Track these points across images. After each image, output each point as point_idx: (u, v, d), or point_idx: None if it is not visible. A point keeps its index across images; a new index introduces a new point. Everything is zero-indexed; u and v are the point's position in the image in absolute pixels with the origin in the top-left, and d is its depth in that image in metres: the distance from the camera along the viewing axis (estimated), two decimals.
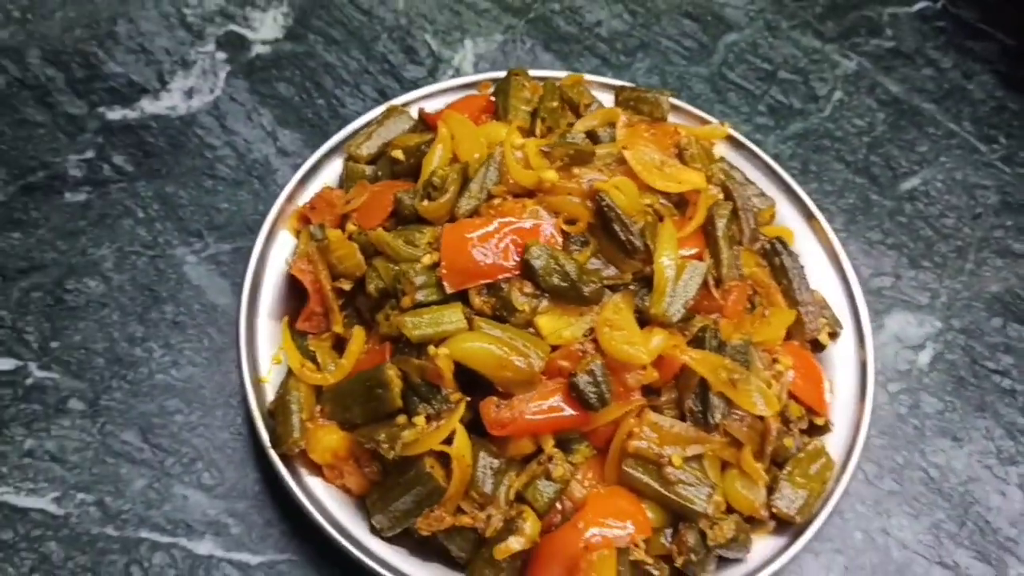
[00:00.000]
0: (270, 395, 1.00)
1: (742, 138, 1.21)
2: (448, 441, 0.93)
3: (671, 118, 1.20)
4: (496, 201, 1.02)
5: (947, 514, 1.08)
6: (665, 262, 1.01)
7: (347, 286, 1.02)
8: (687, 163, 1.11)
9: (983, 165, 1.33)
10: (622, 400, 0.97)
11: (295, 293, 1.05)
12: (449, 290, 0.97)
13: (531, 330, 0.97)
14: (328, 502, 0.96)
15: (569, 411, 0.95)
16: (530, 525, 0.93)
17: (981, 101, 1.38)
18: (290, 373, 1.00)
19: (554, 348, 0.96)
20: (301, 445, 0.96)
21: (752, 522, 1.00)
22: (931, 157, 1.32)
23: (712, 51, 1.37)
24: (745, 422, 1.00)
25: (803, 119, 1.33)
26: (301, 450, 0.96)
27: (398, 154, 1.10)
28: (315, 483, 0.97)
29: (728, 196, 1.11)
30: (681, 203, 1.08)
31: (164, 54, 1.24)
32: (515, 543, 0.92)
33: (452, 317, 0.95)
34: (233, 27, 1.27)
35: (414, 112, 1.18)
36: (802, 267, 1.12)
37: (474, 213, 1.02)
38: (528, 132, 1.09)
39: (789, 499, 1.00)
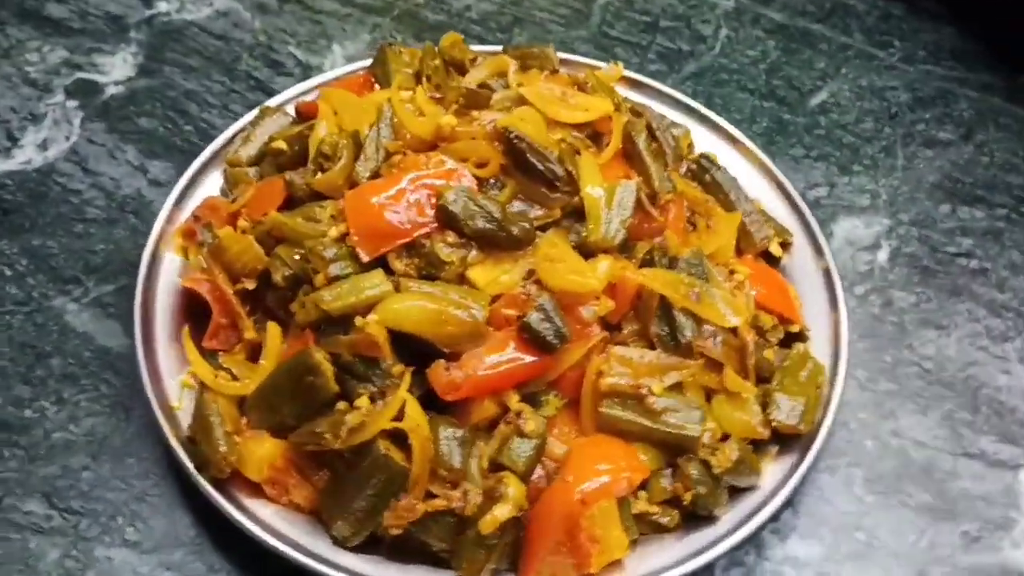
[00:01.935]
0: (186, 423, 0.87)
1: (640, 76, 1.15)
2: (399, 417, 0.81)
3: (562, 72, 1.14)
4: (396, 158, 0.92)
5: (956, 403, 0.99)
6: (591, 189, 0.92)
7: (251, 285, 0.90)
8: (591, 93, 1.04)
9: (885, 69, 1.29)
10: (581, 338, 0.86)
11: (194, 313, 0.93)
12: (365, 258, 0.86)
13: (465, 286, 0.87)
14: (279, 523, 0.82)
15: (527, 358, 0.84)
16: (513, 489, 0.80)
17: (866, 13, 1.35)
18: (203, 390, 0.87)
19: (494, 300, 0.86)
20: (232, 463, 0.82)
21: (755, 447, 0.89)
22: (832, 71, 1.28)
23: (588, 14, 1.31)
24: (719, 340, 0.90)
25: (695, 60, 1.28)
26: (234, 471, 0.83)
27: (280, 145, 0.99)
28: (258, 506, 0.83)
29: (639, 117, 1.04)
30: (594, 136, 1.00)
31: (10, 113, 1.12)
32: (501, 511, 0.79)
33: (373, 281, 0.84)
34: (81, 75, 1.17)
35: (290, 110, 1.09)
36: (735, 179, 1.04)
37: (375, 176, 0.92)
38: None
39: (787, 409, 0.90)
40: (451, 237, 0.88)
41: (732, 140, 1.11)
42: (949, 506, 0.92)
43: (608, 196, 0.92)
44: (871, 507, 0.92)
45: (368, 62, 1.11)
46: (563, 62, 1.13)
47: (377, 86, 1.05)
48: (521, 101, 0.98)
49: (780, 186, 1.07)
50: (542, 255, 0.88)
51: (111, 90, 1.16)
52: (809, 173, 1.17)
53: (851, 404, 0.98)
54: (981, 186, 1.17)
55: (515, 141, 0.91)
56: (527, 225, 0.89)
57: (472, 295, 0.85)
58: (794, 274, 1.02)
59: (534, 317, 0.83)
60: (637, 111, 1.04)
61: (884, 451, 0.95)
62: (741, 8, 1.34)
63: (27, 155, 1.09)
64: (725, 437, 0.88)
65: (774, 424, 0.89)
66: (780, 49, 1.30)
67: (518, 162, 0.92)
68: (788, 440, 0.90)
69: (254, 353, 0.90)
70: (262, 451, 0.83)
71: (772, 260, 1.03)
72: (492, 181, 0.92)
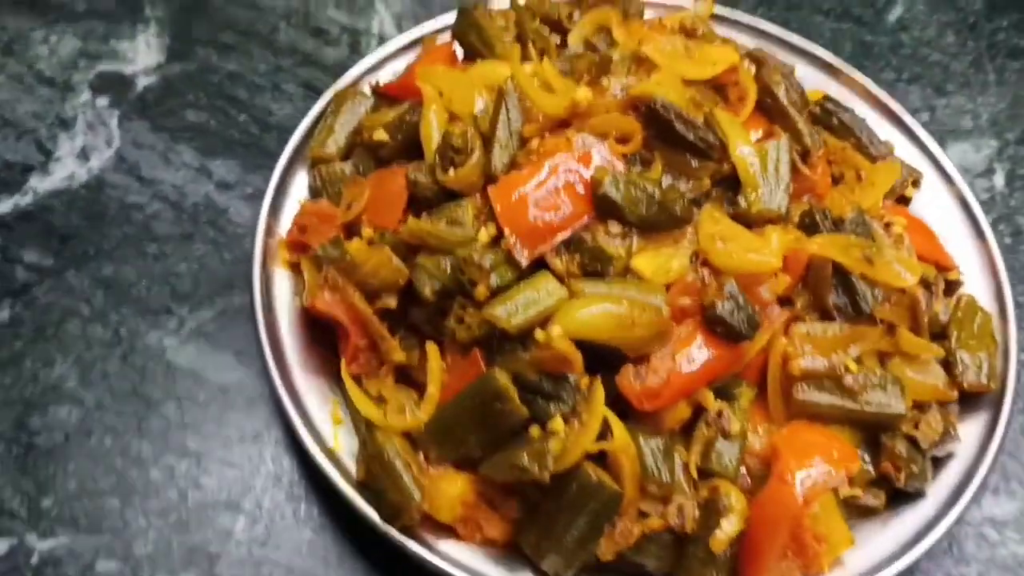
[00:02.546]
0: (349, 464, 0.78)
1: (727, 11, 1.06)
2: (602, 436, 0.73)
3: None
4: (533, 143, 0.82)
5: None
6: (743, 152, 0.84)
7: (392, 302, 0.81)
8: (707, 40, 0.95)
9: None
10: (764, 321, 0.80)
11: (321, 336, 0.83)
12: (524, 262, 0.77)
13: (630, 276, 0.79)
14: (483, 566, 0.75)
15: (717, 352, 0.77)
16: (735, 499, 0.75)
17: None
18: (368, 428, 0.78)
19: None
20: (424, 509, 0.74)
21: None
22: None
23: None
24: (890, 300, 0.85)
25: None
26: (423, 515, 0.75)
27: (380, 135, 0.89)
28: (454, 549, 0.75)
29: (763, 64, 0.95)
30: (718, 89, 0.92)
31: (34, 119, 0.98)
32: (730, 527, 0.74)
33: (548, 289, 0.76)
34: (103, 66, 1.02)
35: (365, 91, 0.97)
36: (863, 119, 0.97)
37: (511, 167, 0.82)
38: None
39: (974, 368, 0.85)
40: (614, 227, 0.79)
41: (832, 70, 1.04)
42: None
43: (762, 159, 0.84)
44: None
45: (429, 25, 0.99)
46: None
47: (473, 54, 0.94)
48: (641, 62, 0.89)
49: (894, 116, 1.01)
50: (707, 234, 0.80)
51: (143, 81, 1.02)
52: (905, 97, 1.10)
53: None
54: None
55: (662, 112, 0.82)
56: (685, 201, 0.81)
57: (650, 289, 0.77)
58: (927, 210, 0.97)
59: (725, 307, 0.76)
60: (758, 58, 0.95)
61: None
62: None
63: (68, 168, 0.95)
64: (916, 404, 0.84)
65: (965, 386, 0.84)
66: None
67: (663, 133, 0.83)
68: (970, 397, 0.85)
69: (403, 376, 0.81)
70: (453, 489, 0.75)
71: (902, 199, 0.97)
72: (635, 155, 0.83)
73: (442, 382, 0.78)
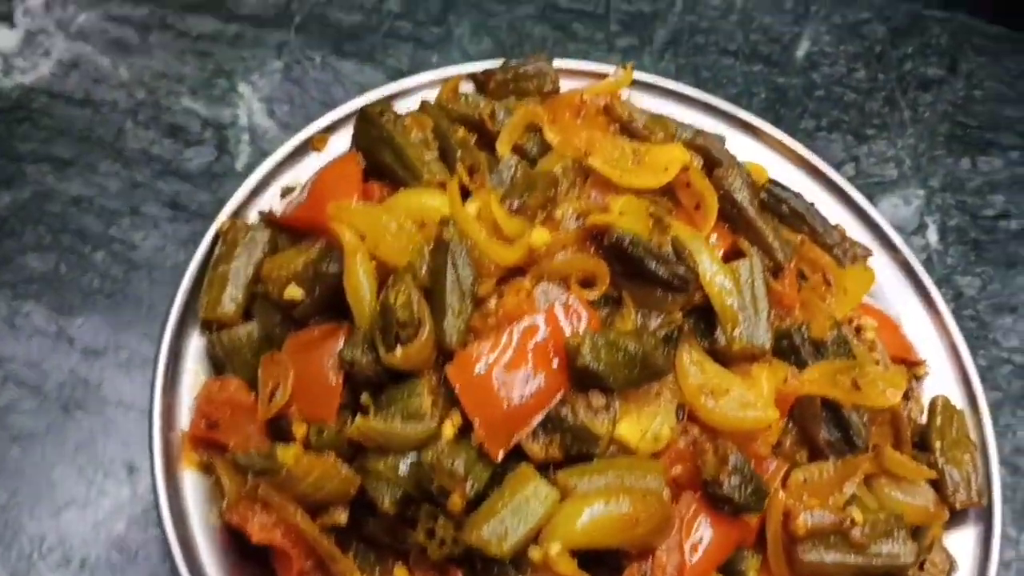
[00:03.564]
0: None
1: (643, 75, 0.95)
2: None
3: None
4: (491, 304, 0.70)
5: None
6: (716, 280, 0.75)
7: (343, 518, 0.67)
8: (647, 136, 0.84)
9: None
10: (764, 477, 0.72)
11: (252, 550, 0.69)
12: (499, 457, 0.66)
13: (614, 447, 0.69)
14: None
15: (724, 530, 0.69)
16: None
17: None
18: None
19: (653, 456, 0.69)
20: None
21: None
22: (801, 10, 1.13)
23: None
24: (875, 422, 0.79)
25: (662, 23, 1.08)
26: None
27: (294, 293, 0.73)
28: None
29: (708, 156, 0.85)
30: (667, 190, 0.81)
31: None
32: None
33: (536, 494, 0.64)
34: None
35: (254, 215, 0.81)
36: (811, 203, 0.89)
37: (467, 335, 0.69)
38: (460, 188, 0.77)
39: (964, 484, 0.80)
40: (597, 398, 0.69)
41: (755, 130, 0.95)
42: None
43: (736, 285, 0.75)
44: None
45: (314, 126, 0.84)
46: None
47: (383, 173, 0.79)
48: (586, 174, 0.78)
49: (828, 181, 0.93)
50: (693, 388, 0.71)
51: None
52: (828, 148, 1.04)
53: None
54: (987, 127, 1.09)
55: (630, 249, 0.71)
56: (664, 350, 0.71)
57: (643, 468, 0.68)
58: (885, 287, 0.90)
59: (732, 483, 0.67)
60: (702, 147, 0.85)
61: (1018, 477, 0.89)
62: None
63: None
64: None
65: (958, 506, 0.79)
66: None
67: (633, 269, 0.72)
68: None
69: None
70: None
71: None
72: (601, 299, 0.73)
73: None
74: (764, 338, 0.74)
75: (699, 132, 0.88)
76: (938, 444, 0.81)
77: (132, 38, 0.94)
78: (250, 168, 0.87)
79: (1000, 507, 0.79)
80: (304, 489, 0.66)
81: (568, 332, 0.69)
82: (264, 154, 0.89)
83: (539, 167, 0.79)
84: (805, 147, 0.99)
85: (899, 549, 0.73)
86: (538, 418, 0.67)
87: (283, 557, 0.68)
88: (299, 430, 0.68)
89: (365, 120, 0.80)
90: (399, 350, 0.67)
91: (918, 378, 0.86)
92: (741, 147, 0.94)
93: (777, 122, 1.02)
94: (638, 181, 0.78)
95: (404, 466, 0.66)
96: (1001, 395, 0.93)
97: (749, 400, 0.71)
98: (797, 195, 0.89)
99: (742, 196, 0.79)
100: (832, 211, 0.93)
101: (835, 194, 0.93)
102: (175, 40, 0.94)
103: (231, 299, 0.76)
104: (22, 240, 0.81)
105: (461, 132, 0.80)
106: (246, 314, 0.77)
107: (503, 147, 0.80)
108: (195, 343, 0.75)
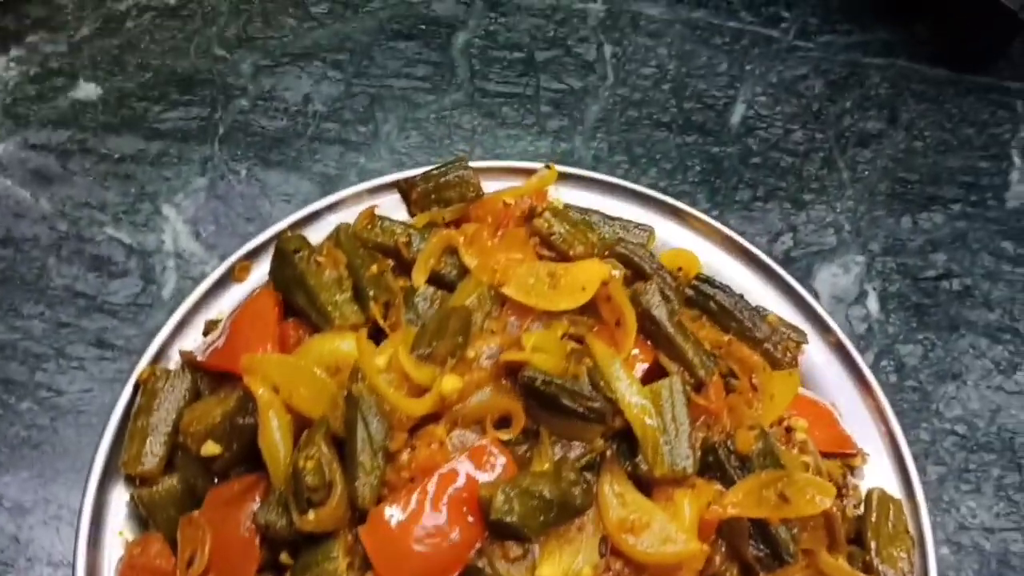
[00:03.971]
0: None
1: (569, 169, 0.94)
2: None
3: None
4: (403, 457, 0.70)
5: (1000, 467, 0.93)
6: (635, 404, 0.74)
7: None
8: (566, 251, 0.83)
9: (786, 52, 1.14)
10: None
11: None
12: None
13: None
14: None
15: None
16: None
17: None
18: None
19: None
20: None
21: None
22: (736, 70, 1.11)
23: (452, 66, 1.06)
24: (806, 527, 0.78)
25: (593, 98, 1.07)
26: None
27: (211, 449, 0.73)
28: None
29: (630, 264, 0.85)
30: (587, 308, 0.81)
31: None
32: None
33: None
34: None
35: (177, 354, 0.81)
36: (740, 295, 0.88)
37: (381, 492, 0.69)
38: (371, 328, 0.76)
39: None
40: (514, 549, 0.69)
41: (679, 213, 0.94)
42: None
43: (656, 407, 0.75)
44: None
45: (235, 255, 0.84)
46: (481, 172, 0.92)
47: (300, 312, 0.78)
48: (503, 301, 0.78)
49: (759, 263, 0.93)
50: (615, 523, 0.71)
51: None
52: (766, 219, 1.03)
53: None
54: (928, 181, 1.08)
55: (543, 388, 0.71)
56: (583, 486, 0.71)
57: None
58: (819, 369, 0.90)
59: None
60: (624, 256, 0.84)
61: (962, 554, 0.89)
62: (614, 11, 1.13)
63: None
64: None
65: None
66: (675, 56, 1.11)
67: (546, 405, 0.72)
68: None
69: None
70: None
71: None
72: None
73: None
74: (686, 462, 0.74)
75: (621, 239, 0.87)
76: (873, 543, 0.81)
77: (53, 166, 0.93)
78: (177, 296, 0.87)
79: None
80: None
81: (484, 479, 0.69)
82: (191, 280, 0.89)
83: (455, 297, 0.78)
84: (741, 219, 0.99)
85: None
86: (457, 571, 0.67)
87: None
88: None
89: (280, 257, 0.80)
90: (311, 514, 0.68)
91: (853, 469, 0.86)
92: (672, 233, 0.94)
93: (713, 194, 1.02)
94: (555, 304, 0.78)
95: None
96: (945, 469, 0.92)
97: (670, 534, 0.71)
98: (725, 289, 0.88)
99: (660, 312, 0.79)
100: (765, 294, 0.92)
101: (766, 275, 0.93)
102: (96, 164, 0.94)
103: (152, 453, 0.76)
104: None
105: (374, 268, 0.79)
106: (169, 464, 0.77)
107: (419, 277, 0.80)
108: (120, 496, 0.76)
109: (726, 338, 0.85)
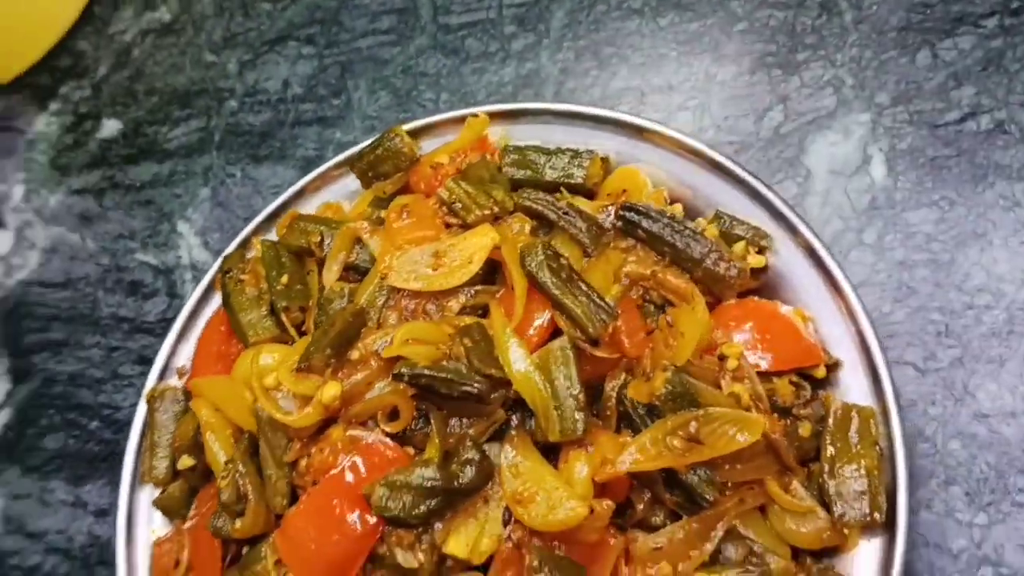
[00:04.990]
0: None
1: (518, 104, 0.92)
2: None
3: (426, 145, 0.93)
4: (302, 464, 0.78)
5: None
6: (520, 372, 0.75)
7: None
8: (464, 216, 0.83)
9: None
10: (598, 560, 0.74)
11: None
12: None
13: (449, 563, 0.74)
14: None
15: None
16: None
17: None
18: None
19: (487, 566, 0.74)
20: None
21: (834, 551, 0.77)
22: None
23: (415, 7, 1.05)
24: (744, 457, 0.76)
25: (558, 3, 1.01)
26: None
27: (185, 463, 0.86)
28: None
29: (536, 215, 0.83)
30: (495, 268, 0.82)
31: None
32: None
33: None
34: None
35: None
36: (670, 217, 0.83)
37: (294, 498, 0.78)
38: (282, 338, 0.83)
39: (852, 503, 0.75)
40: (406, 536, 0.74)
41: (640, 131, 0.89)
42: None
43: (543, 372, 0.75)
44: (985, 530, 0.78)
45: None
46: (421, 131, 0.93)
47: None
48: (393, 289, 0.81)
49: (714, 164, 0.86)
50: (510, 495, 0.74)
51: (1, 419, 1.02)
52: (752, 95, 0.93)
53: (917, 401, 0.82)
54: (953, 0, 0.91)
55: (419, 380, 0.75)
56: (475, 466, 0.74)
57: None
58: (790, 271, 0.84)
59: None
60: (532, 209, 0.83)
61: (974, 447, 0.80)
62: None
63: None
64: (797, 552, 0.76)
65: (846, 530, 0.75)
66: None
67: (431, 395, 0.76)
68: None
69: None
70: None
71: (755, 272, 0.84)
72: (414, 424, 0.77)
73: None
74: (577, 424, 0.74)
75: (529, 192, 0.84)
76: (827, 459, 0.77)
77: (92, 207, 1.07)
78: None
79: (905, 518, 0.74)
80: None
81: (376, 473, 0.75)
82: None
83: (358, 292, 0.82)
84: (723, 102, 0.92)
85: None
86: (360, 562, 0.75)
87: None
88: None
89: (222, 273, 0.88)
90: (238, 522, 0.78)
91: (817, 380, 0.80)
92: (634, 150, 0.89)
93: (687, 79, 0.95)
94: (440, 285, 0.79)
95: None
96: (960, 351, 0.82)
97: (557, 501, 0.73)
98: (651, 214, 0.83)
99: (543, 274, 0.77)
100: (732, 199, 0.86)
101: (732, 180, 0.86)
102: (124, 196, 1.07)
103: (161, 463, 0.90)
104: (38, 425, 1.00)
105: (284, 279, 0.85)
106: (177, 472, 0.91)
107: (328, 277, 0.85)
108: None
109: (649, 271, 0.81)
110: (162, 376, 0.93)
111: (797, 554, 0.77)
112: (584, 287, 0.78)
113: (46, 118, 1.13)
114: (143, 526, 0.90)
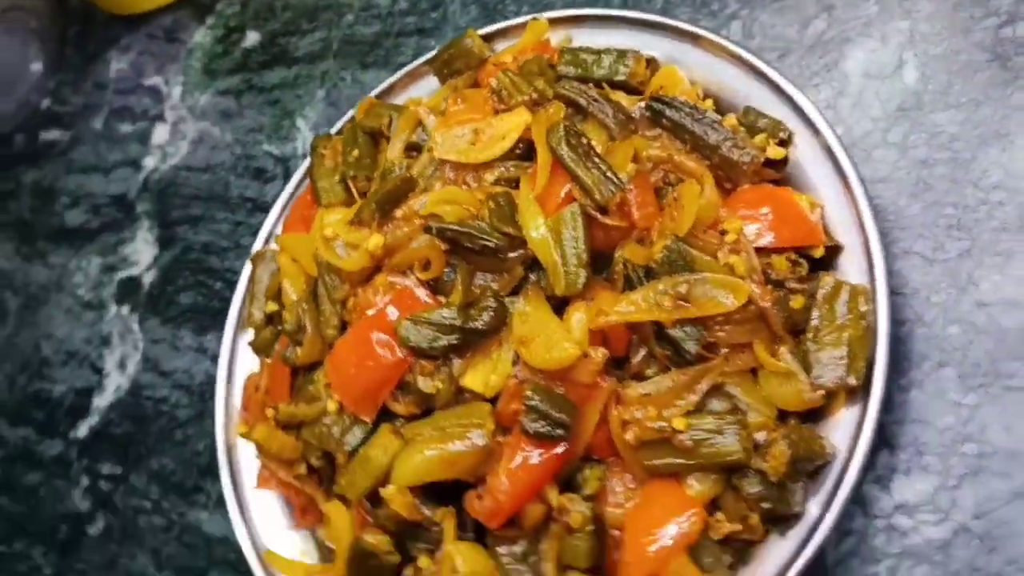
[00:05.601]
0: None
1: (563, 12, 1.02)
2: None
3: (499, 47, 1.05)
4: (350, 303, 0.91)
5: None
6: (535, 233, 0.86)
7: (302, 469, 0.95)
8: (507, 103, 0.94)
9: None
10: (591, 400, 0.83)
11: None
12: (369, 419, 0.88)
13: (467, 395, 0.86)
14: None
15: (544, 453, 0.83)
16: None
17: None
18: None
19: (497, 399, 0.85)
20: None
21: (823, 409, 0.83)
22: None
23: None
24: (735, 320, 0.83)
25: None
26: None
27: (271, 306, 1.02)
28: None
29: (570, 102, 0.93)
30: (531, 148, 0.92)
31: (86, 345, 1.23)
32: None
33: (379, 448, 0.86)
34: (119, 274, 1.24)
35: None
36: (692, 106, 0.91)
37: (343, 330, 0.91)
38: (349, 202, 0.97)
39: (830, 367, 0.81)
40: (427, 366, 0.86)
41: (695, 37, 0.97)
42: None
43: (554, 234, 0.85)
44: (973, 409, 0.82)
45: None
46: (494, 35, 1.04)
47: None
48: (443, 163, 0.93)
49: (752, 68, 0.92)
50: (515, 337, 0.85)
51: (147, 278, 1.22)
52: (799, 5, 0.99)
53: (922, 289, 0.86)
54: None
55: (446, 235, 0.86)
56: (490, 311, 0.85)
57: (472, 415, 0.84)
58: (807, 166, 0.90)
59: (527, 420, 0.81)
60: (566, 95, 0.93)
61: (972, 332, 0.84)
62: None
63: (115, 381, 1.19)
64: (784, 415, 0.83)
65: (820, 392, 0.81)
66: None
67: (458, 246, 0.87)
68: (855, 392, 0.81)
69: None
70: None
71: (775, 164, 0.91)
72: (448, 273, 0.89)
73: (351, 535, 0.91)
74: (580, 279, 0.84)
75: (566, 82, 0.94)
76: (813, 327, 0.83)
77: (232, 105, 1.25)
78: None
79: (882, 386, 0.79)
80: (275, 454, 0.95)
81: (408, 313, 0.87)
82: None
83: (413, 165, 0.95)
84: (773, 12, 0.98)
85: (724, 445, 0.80)
86: (390, 388, 0.88)
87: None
88: (270, 412, 0.97)
89: (312, 149, 1.03)
90: (298, 350, 0.93)
91: (817, 261, 0.85)
92: (684, 56, 0.97)
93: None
94: (476, 156, 0.91)
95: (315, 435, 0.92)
96: (969, 243, 0.86)
97: (554, 342, 0.83)
98: (676, 104, 0.91)
99: (561, 148, 0.87)
100: (766, 100, 0.92)
101: (768, 84, 0.92)
102: (257, 96, 1.24)
103: (258, 309, 1.05)
104: (176, 284, 1.19)
105: (355, 152, 0.98)
106: (270, 319, 1.06)
107: (391, 152, 0.97)
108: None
109: (666, 154, 0.89)
110: (266, 242, 1.09)
111: (785, 417, 0.83)
112: (598, 161, 0.87)
113: (203, 31, 1.32)
114: (241, 364, 1.07)
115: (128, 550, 1.10)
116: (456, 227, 0.86)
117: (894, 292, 0.86)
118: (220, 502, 1.07)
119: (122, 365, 1.19)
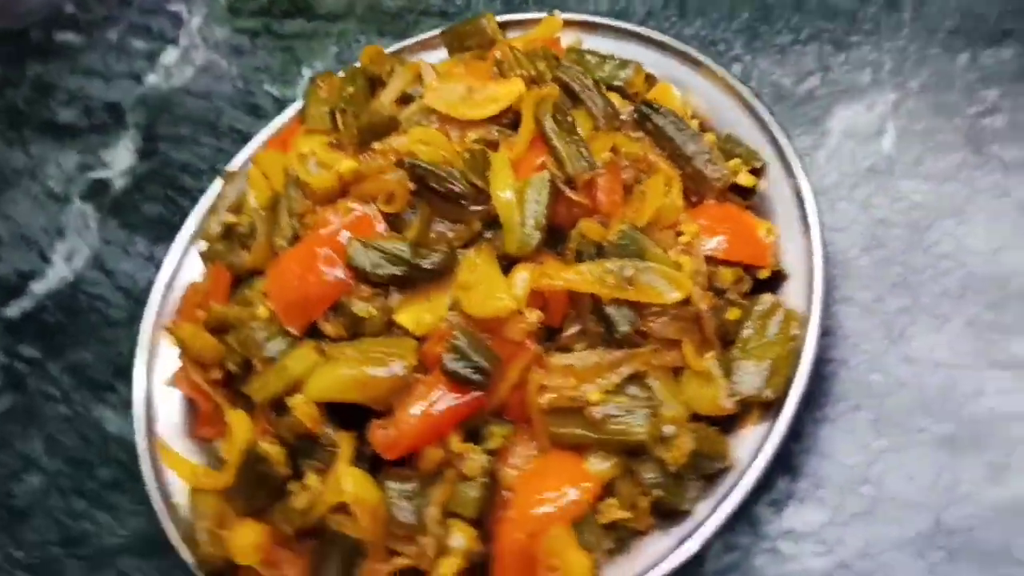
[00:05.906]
0: None
1: (583, 16, 1.06)
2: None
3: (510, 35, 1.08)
4: (308, 218, 0.92)
5: (981, 303, 0.86)
6: (502, 193, 0.88)
7: (217, 374, 0.95)
8: (506, 75, 0.97)
9: None
10: (515, 359, 0.84)
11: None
12: (297, 332, 0.88)
13: (395, 330, 0.87)
14: None
15: (457, 398, 0.83)
16: (460, 537, 0.81)
17: None
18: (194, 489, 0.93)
19: (425, 339, 0.85)
20: (216, 553, 0.88)
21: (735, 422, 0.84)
22: None
23: None
24: (670, 315, 0.84)
25: None
26: (232, 562, 0.89)
27: (229, 218, 1.02)
28: None
29: (565, 86, 0.96)
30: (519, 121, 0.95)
31: (42, 233, 1.23)
32: (449, 566, 0.80)
33: (297, 358, 0.86)
34: (92, 174, 1.25)
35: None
36: (679, 119, 0.94)
37: (294, 242, 0.92)
38: (332, 132, 0.99)
39: (750, 377, 0.83)
40: (366, 291, 0.87)
41: (696, 63, 1.01)
42: (972, 433, 0.82)
43: (519, 196, 0.87)
44: (879, 454, 0.83)
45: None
46: (510, 24, 1.08)
47: None
48: (432, 112, 0.95)
49: (744, 102, 0.96)
50: (459, 283, 0.86)
51: (119, 183, 1.23)
52: (799, 61, 1.03)
53: (853, 335, 0.88)
54: (1012, 13, 0.98)
55: (416, 169, 0.88)
56: (441, 255, 0.87)
57: (394, 346, 0.85)
58: (773, 198, 0.93)
59: (449, 359, 0.82)
60: (563, 80, 0.96)
61: (893, 384, 0.85)
62: None
63: (59, 271, 1.19)
64: (698, 418, 0.84)
65: (737, 398, 0.82)
66: None
67: (425, 187, 0.89)
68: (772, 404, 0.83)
69: None
70: (247, 539, 0.88)
71: (744, 190, 0.94)
72: (408, 213, 0.90)
73: (247, 444, 0.90)
74: (531, 239, 0.86)
75: (580, 64, 0.98)
76: (744, 339, 0.84)
77: (246, 44, 1.28)
78: None
79: (794, 405, 0.80)
80: (194, 354, 0.95)
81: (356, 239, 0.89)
82: None
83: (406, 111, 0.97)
84: (772, 62, 1.03)
85: (630, 425, 0.81)
86: (326, 305, 0.88)
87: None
88: (200, 314, 0.97)
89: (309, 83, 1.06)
90: (245, 255, 0.94)
91: (767, 282, 0.88)
92: (684, 77, 1.01)
93: (752, 39, 1.06)
94: (463, 112, 0.93)
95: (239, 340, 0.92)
96: (910, 301, 0.88)
97: (492, 293, 0.84)
98: (664, 113, 0.94)
99: (547, 118, 0.90)
100: (750, 131, 0.96)
101: (755, 120, 0.96)
102: (272, 40, 1.27)
103: (216, 225, 1.06)
104: (145, 193, 1.20)
105: (350, 89, 1.01)
106: (227, 233, 1.07)
107: (386, 96, 1.00)
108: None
109: (648, 153, 0.92)
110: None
111: (698, 420, 0.84)
112: (578, 139, 0.90)
113: None
114: (186, 274, 1.07)
115: (26, 432, 1.09)
116: (428, 165, 0.88)
117: (827, 333, 0.88)
118: (128, 404, 1.06)
119: (69, 258, 1.19)
